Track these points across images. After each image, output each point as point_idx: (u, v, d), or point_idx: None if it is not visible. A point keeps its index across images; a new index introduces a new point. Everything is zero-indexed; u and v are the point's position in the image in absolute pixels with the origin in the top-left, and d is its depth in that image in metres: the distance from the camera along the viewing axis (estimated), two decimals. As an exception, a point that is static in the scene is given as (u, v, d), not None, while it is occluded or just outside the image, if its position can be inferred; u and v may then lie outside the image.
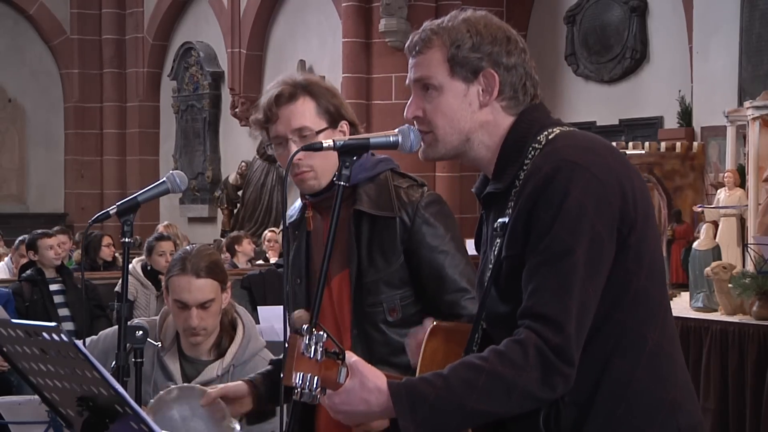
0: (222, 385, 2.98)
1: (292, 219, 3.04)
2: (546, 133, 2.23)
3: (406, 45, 2.33)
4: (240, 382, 3.00)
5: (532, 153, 2.21)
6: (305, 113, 2.90)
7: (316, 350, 2.10)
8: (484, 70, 2.24)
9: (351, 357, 2.15)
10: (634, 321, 2.17)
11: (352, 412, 2.13)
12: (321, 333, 2.12)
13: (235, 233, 11.73)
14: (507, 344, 2.09)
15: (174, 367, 3.50)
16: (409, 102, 2.31)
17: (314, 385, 2.10)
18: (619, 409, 2.16)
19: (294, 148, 2.83)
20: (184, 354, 3.54)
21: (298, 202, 3.06)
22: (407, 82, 2.32)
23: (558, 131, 2.23)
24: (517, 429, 2.18)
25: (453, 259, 2.87)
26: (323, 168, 2.87)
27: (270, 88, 2.94)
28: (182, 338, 3.53)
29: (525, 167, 2.20)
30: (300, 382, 2.09)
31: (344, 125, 2.94)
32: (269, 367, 3.08)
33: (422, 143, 2.30)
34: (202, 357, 3.53)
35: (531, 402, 2.10)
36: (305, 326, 2.13)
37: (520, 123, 2.26)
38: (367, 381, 2.11)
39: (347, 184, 2.28)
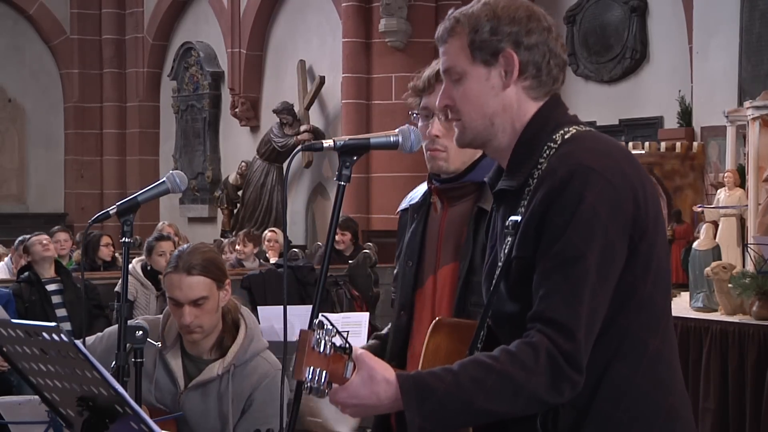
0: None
1: (413, 202, 3.01)
2: (562, 132, 2.21)
3: (436, 35, 2.33)
4: None
5: (547, 152, 2.19)
6: None
7: (325, 344, 2.10)
8: (504, 51, 2.22)
9: (357, 351, 2.14)
10: (636, 326, 2.17)
11: (361, 405, 2.12)
12: (330, 327, 2.11)
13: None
14: (518, 346, 2.09)
15: (176, 365, 3.51)
16: (440, 91, 2.31)
17: (322, 380, 2.10)
18: (617, 413, 2.15)
19: (437, 124, 2.82)
20: (186, 352, 3.55)
21: (423, 186, 3.03)
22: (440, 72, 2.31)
23: (575, 131, 2.22)
24: (516, 430, 2.17)
25: None
26: (456, 152, 2.83)
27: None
28: (183, 336, 3.53)
29: (540, 165, 2.18)
30: (309, 376, 2.09)
31: None
32: (374, 341, 3.06)
33: (455, 129, 2.29)
34: (203, 356, 3.53)
35: (537, 405, 2.10)
36: (316, 320, 2.12)
37: (537, 119, 2.24)
38: (376, 373, 2.10)
39: (347, 184, 2.27)
